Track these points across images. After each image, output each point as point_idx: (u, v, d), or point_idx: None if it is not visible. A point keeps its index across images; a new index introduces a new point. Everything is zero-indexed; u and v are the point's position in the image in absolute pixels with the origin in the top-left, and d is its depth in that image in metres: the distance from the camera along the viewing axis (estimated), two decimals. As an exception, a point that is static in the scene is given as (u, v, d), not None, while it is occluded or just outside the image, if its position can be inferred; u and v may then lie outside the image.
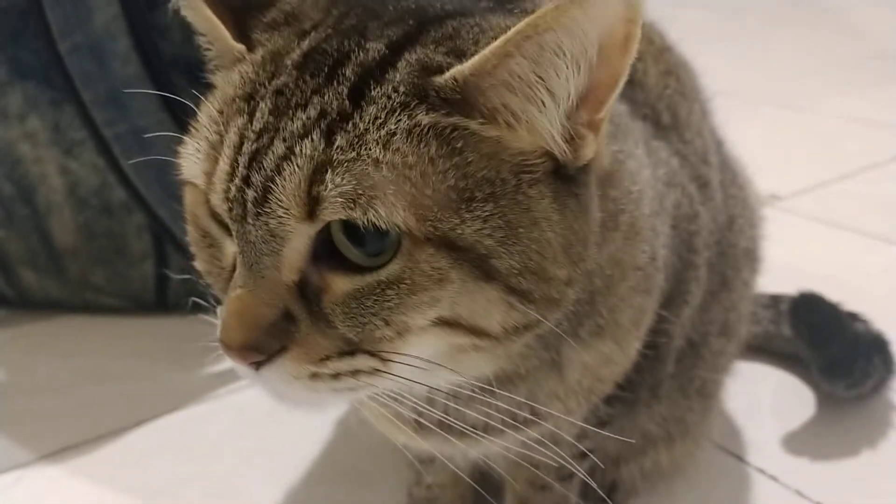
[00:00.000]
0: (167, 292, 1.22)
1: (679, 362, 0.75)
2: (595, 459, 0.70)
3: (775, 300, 1.07)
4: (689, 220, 0.69)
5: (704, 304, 0.75)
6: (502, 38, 0.44)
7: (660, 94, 0.73)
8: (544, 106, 0.47)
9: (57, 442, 0.96)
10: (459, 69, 0.45)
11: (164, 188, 1.06)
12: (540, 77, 0.46)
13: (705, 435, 0.87)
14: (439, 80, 0.46)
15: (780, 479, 0.87)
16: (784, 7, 3.23)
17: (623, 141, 0.60)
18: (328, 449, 0.94)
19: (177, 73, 1.06)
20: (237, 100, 0.48)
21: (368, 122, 0.45)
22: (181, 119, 1.08)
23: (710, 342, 0.78)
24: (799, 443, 0.93)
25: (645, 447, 0.80)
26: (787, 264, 1.02)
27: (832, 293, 1.06)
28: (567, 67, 0.45)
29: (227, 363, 1.11)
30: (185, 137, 0.50)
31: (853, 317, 1.03)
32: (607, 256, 0.57)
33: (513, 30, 0.44)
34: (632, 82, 0.71)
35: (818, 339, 1.01)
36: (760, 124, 1.84)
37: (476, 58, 0.45)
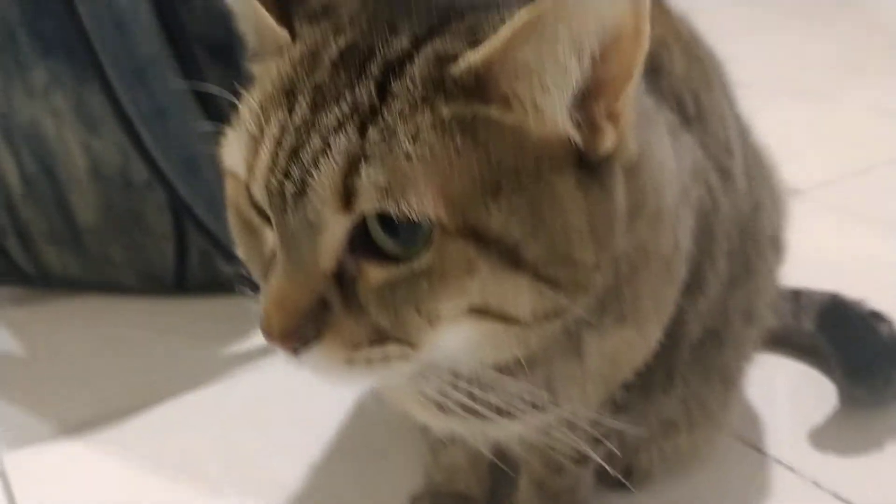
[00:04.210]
0: (186, 274, 1.23)
1: (697, 350, 0.75)
2: (610, 446, 0.70)
3: (796, 294, 1.07)
4: (710, 210, 0.69)
5: (726, 292, 0.75)
6: (507, 28, 0.45)
7: (685, 85, 0.73)
8: (550, 94, 0.47)
9: (77, 416, 0.98)
10: (470, 57, 0.46)
11: (185, 164, 1.07)
12: (544, 66, 0.46)
13: (727, 422, 0.87)
14: (454, 68, 0.47)
15: (797, 469, 0.87)
16: (807, -2, 3.19)
17: (649, 132, 0.61)
18: (347, 426, 0.95)
19: (201, 53, 1.06)
20: (277, 94, 0.49)
21: (396, 116, 0.46)
22: (203, 96, 1.08)
23: (733, 329, 0.78)
24: (817, 434, 0.93)
25: (667, 431, 0.80)
26: (810, 257, 1.01)
27: (856, 286, 1.05)
28: (569, 56, 0.46)
29: (248, 344, 1.12)
30: (225, 128, 0.52)
31: (877, 317, 1.01)
32: (632, 245, 0.57)
33: (516, 19, 0.45)
34: (658, 73, 0.71)
35: (843, 345, 1.01)
36: (782, 116, 1.81)
37: (484, 46, 0.46)
